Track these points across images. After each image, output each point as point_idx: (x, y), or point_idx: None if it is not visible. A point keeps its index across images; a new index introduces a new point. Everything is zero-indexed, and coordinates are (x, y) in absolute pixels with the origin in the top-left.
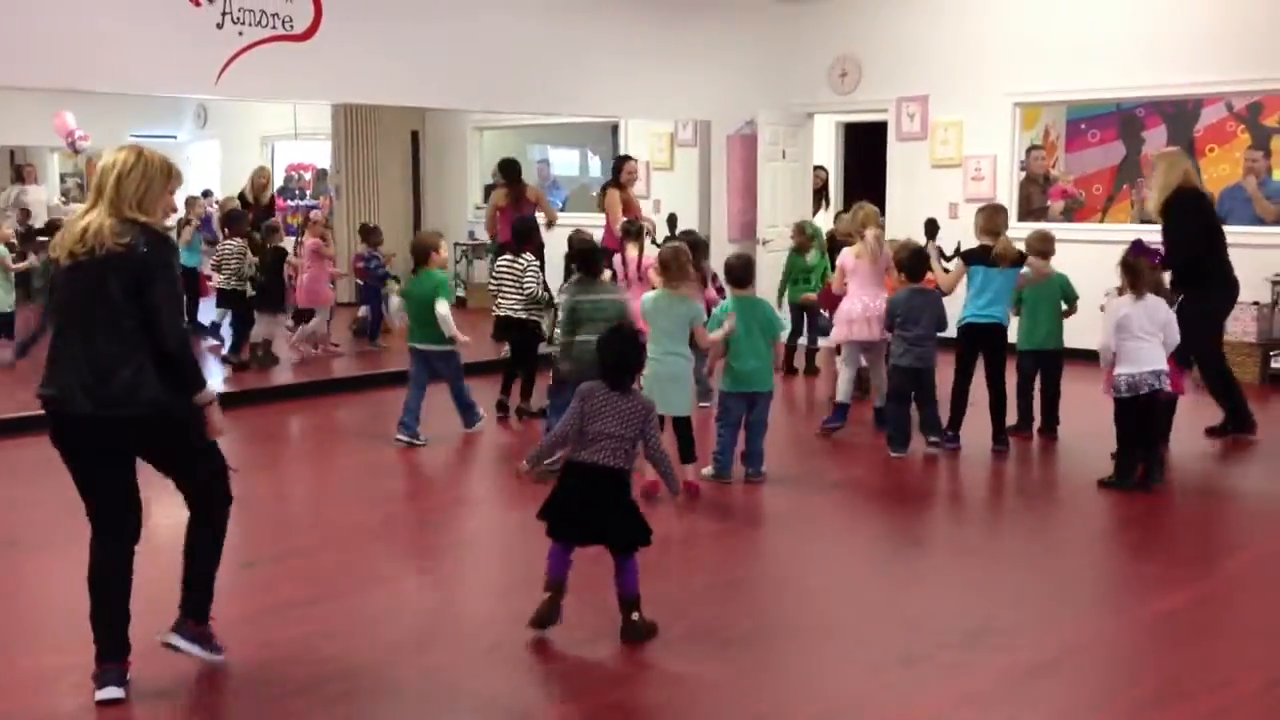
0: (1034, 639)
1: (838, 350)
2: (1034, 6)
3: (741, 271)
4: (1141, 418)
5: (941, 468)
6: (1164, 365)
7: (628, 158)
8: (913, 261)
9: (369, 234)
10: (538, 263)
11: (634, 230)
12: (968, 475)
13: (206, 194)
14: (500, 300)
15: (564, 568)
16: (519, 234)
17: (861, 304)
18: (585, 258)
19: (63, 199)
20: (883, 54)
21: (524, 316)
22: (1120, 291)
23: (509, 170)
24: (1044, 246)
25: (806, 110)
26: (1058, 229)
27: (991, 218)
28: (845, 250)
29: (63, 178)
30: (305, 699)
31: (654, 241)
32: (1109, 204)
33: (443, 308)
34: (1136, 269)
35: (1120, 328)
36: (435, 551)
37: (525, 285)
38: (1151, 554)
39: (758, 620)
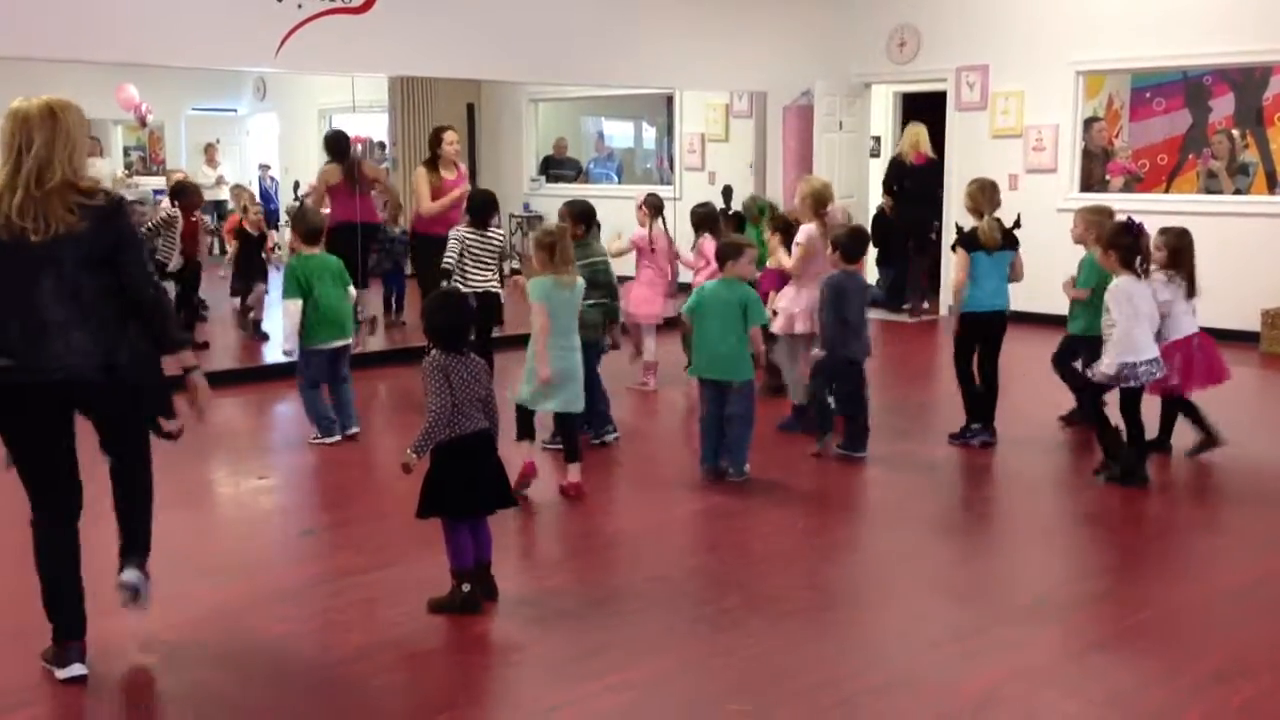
0: (1093, 614)
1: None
2: None
3: (727, 252)
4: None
5: (987, 448)
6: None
7: (446, 128)
8: (852, 242)
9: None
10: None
11: (657, 204)
12: (1014, 454)
13: (265, 167)
14: (470, 275)
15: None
16: (484, 207)
17: (809, 294)
18: (586, 219)
19: (126, 171)
20: (942, 22)
21: (500, 290)
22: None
23: (335, 145)
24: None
25: (864, 80)
26: (1119, 200)
27: (973, 195)
28: (805, 229)
29: (126, 150)
30: (362, 664)
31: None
32: (1174, 175)
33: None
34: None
35: (1139, 310)
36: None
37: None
38: (1216, 530)
39: (813, 592)
